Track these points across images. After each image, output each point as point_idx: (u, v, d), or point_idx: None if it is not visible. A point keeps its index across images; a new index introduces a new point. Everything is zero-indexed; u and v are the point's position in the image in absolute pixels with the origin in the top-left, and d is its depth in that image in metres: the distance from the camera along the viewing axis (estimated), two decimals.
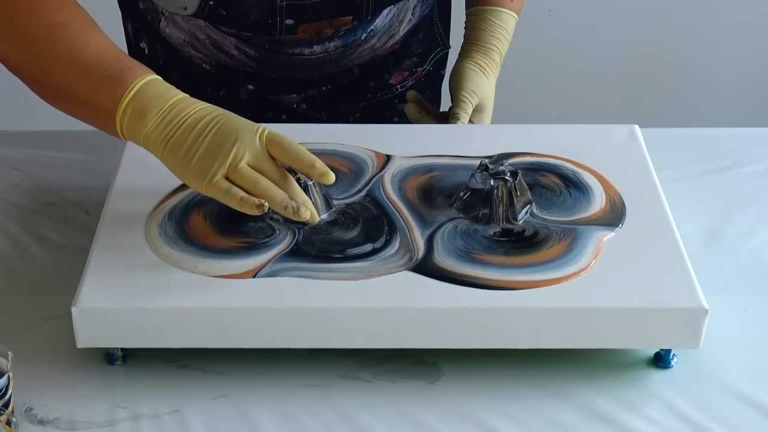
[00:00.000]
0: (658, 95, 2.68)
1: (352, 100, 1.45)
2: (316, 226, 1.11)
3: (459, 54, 1.41)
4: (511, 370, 1.07)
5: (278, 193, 1.07)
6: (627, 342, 1.06)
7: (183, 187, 1.16)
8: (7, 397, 0.97)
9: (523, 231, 1.12)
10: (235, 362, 1.07)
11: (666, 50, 2.64)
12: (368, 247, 1.10)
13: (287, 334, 1.04)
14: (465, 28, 1.42)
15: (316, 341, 1.05)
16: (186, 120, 1.08)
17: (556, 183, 1.19)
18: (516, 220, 1.13)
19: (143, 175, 1.17)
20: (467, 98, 1.35)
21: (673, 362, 1.08)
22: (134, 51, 1.43)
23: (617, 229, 1.13)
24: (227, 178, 1.07)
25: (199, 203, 1.15)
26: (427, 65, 1.48)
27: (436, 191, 1.18)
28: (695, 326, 1.04)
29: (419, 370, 1.07)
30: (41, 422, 1.01)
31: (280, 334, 1.04)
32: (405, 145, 1.25)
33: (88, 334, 1.04)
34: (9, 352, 0.97)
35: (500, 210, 1.13)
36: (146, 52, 1.42)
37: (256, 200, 1.05)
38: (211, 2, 1.25)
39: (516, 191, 1.13)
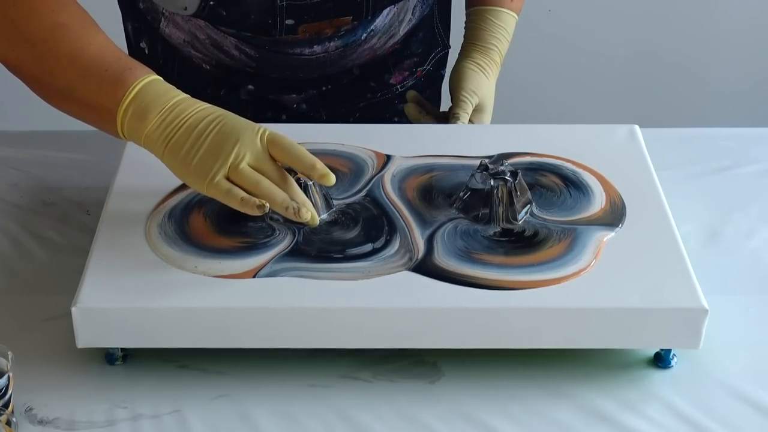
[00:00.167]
0: (658, 95, 2.68)
1: (352, 100, 1.45)
2: (316, 226, 1.11)
3: (459, 54, 1.41)
4: (511, 370, 1.07)
5: (279, 194, 1.07)
6: (627, 342, 1.06)
7: (183, 187, 1.16)
8: (7, 397, 0.97)
9: (523, 231, 1.12)
10: (235, 362, 1.07)
11: (666, 50, 2.64)
12: (368, 247, 1.10)
13: (287, 334, 1.04)
14: (465, 28, 1.42)
15: (316, 341, 1.05)
16: (187, 120, 1.08)
17: (556, 183, 1.19)
18: (516, 220, 1.13)
19: (143, 175, 1.17)
20: (467, 98, 1.35)
21: (673, 362, 1.08)
22: (134, 51, 1.44)
23: (617, 229, 1.13)
24: (228, 179, 1.07)
25: (199, 203, 1.15)
26: (427, 65, 1.48)
27: (436, 191, 1.18)
28: (695, 326, 1.04)
29: (419, 370, 1.07)
30: (41, 422, 1.01)
31: (280, 334, 1.04)
32: (405, 145, 1.25)
33: (88, 334, 1.04)
34: (9, 352, 0.97)
35: (500, 210, 1.13)
36: (146, 52, 1.42)
37: (257, 201, 1.05)
38: (212, 2, 1.25)
39: (516, 191, 1.13)
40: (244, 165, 1.07)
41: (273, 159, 1.09)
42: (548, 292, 1.04)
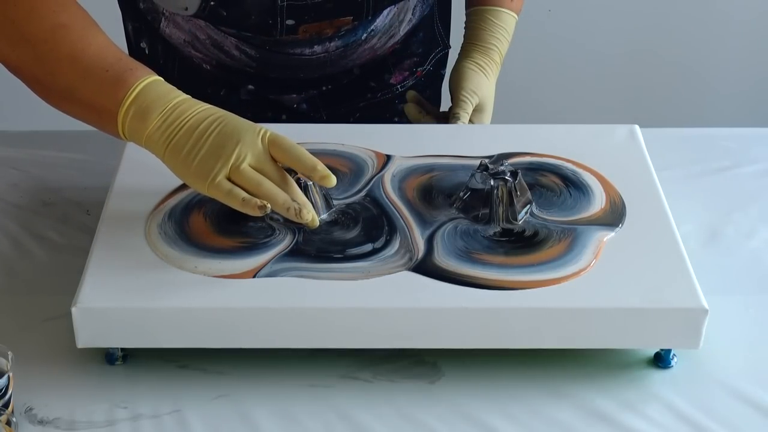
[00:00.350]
0: (658, 95, 2.68)
1: (352, 100, 1.45)
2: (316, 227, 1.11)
3: (459, 54, 1.41)
4: (511, 370, 1.07)
5: (281, 195, 1.07)
6: (627, 342, 1.06)
7: (183, 187, 1.16)
8: (7, 397, 0.97)
9: (523, 231, 1.12)
10: (235, 362, 1.07)
11: (666, 50, 2.64)
12: (368, 247, 1.10)
13: (287, 334, 1.04)
14: (465, 28, 1.42)
15: (316, 341, 1.05)
16: (188, 121, 1.08)
17: (556, 183, 1.19)
18: (516, 220, 1.13)
19: (143, 175, 1.17)
20: (467, 98, 1.35)
21: (673, 362, 1.08)
22: (134, 51, 1.44)
23: (617, 229, 1.13)
24: (229, 179, 1.07)
25: (199, 203, 1.15)
26: (427, 65, 1.48)
27: (436, 191, 1.18)
28: (695, 326, 1.04)
29: (419, 370, 1.07)
30: (41, 422, 1.01)
31: (280, 334, 1.04)
32: (405, 145, 1.25)
33: (88, 334, 1.04)
34: (9, 352, 0.97)
35: (500, 210, 1.13)
36: (146, 52, 1.42)
37: (259, 201, 1.05)
38: (212, 3, 1.26)
39: (516, 191, 1.13)
40: (245, 166, 1.07)
41: (274, 160, 1.09)
42: (548, 292, 1.04)
